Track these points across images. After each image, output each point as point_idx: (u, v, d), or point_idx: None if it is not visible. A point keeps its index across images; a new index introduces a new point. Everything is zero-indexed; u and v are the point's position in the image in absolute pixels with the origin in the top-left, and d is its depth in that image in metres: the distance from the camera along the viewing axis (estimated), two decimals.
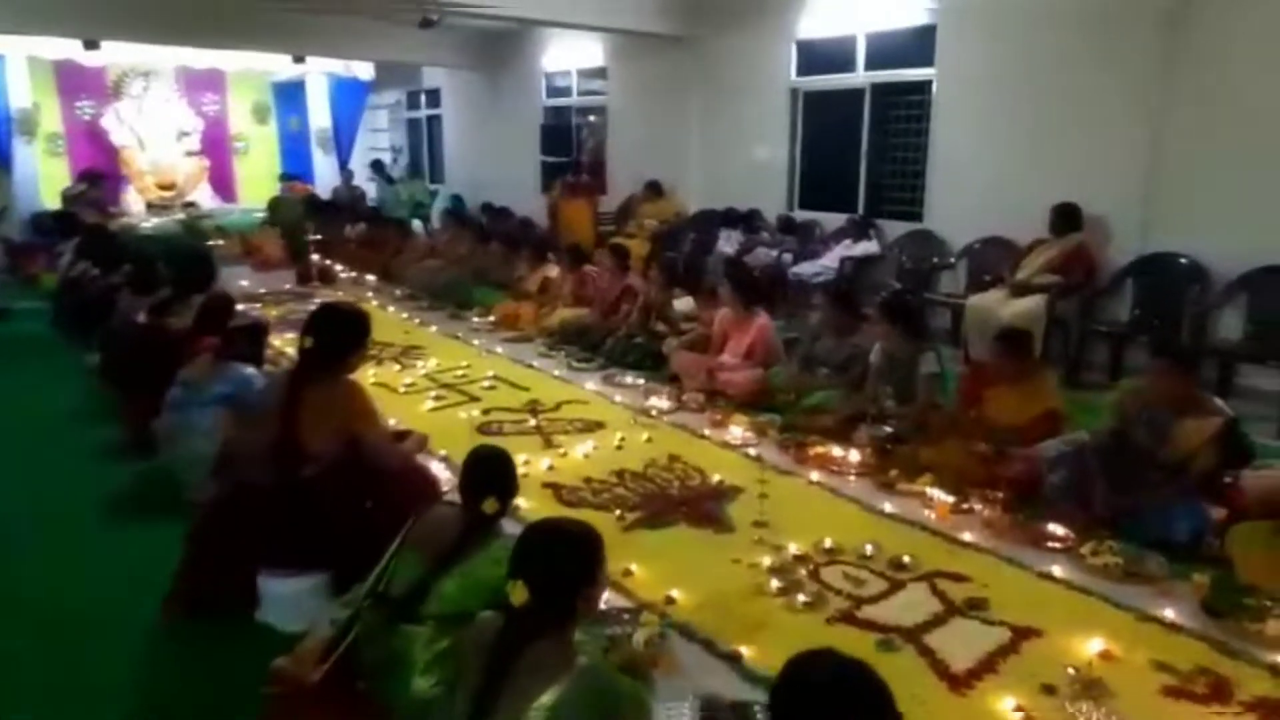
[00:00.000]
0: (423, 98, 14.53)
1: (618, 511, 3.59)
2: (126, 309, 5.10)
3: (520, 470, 3.94)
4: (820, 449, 4.21)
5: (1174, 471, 3.38)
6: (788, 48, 7.79)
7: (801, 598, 2.90)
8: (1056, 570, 3.10)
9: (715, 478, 3.96)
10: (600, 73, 10.34)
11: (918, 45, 6.75)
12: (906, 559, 3.16)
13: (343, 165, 13.60)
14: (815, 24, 7.53)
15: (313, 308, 3.10)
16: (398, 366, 5.96)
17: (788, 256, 7.43)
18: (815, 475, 3.98)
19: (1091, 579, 3.05)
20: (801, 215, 7.91)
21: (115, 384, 4.65)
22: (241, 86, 13.34)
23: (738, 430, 4.55)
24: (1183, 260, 5.25)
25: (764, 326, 5.16)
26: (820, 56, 7.68)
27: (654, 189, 9.17)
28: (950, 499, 3.64)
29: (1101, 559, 3.15)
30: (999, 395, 3.98)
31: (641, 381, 5.45)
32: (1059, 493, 3.54)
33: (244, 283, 8.50)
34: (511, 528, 2.36)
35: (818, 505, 3.72)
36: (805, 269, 7.17)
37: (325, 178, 14.28)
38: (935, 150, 6.73)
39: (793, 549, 3.25)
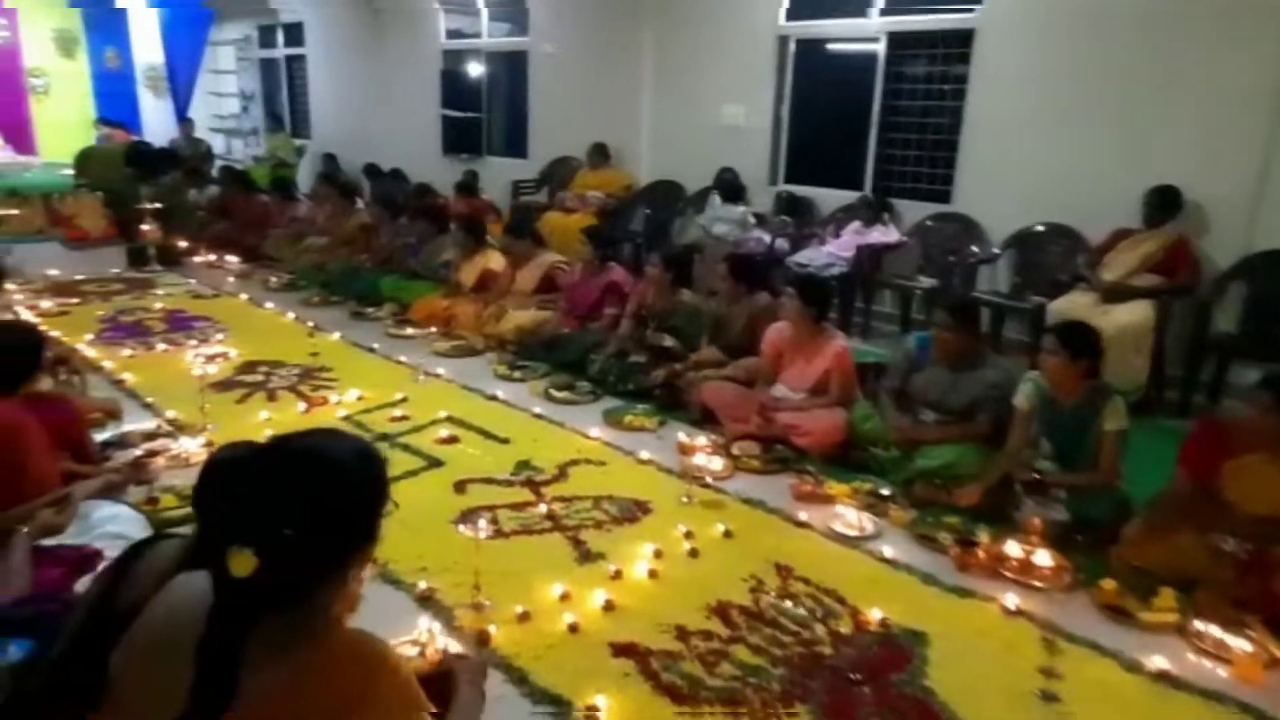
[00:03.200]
0: (280, 34, 12.02)
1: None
2: None
3: (565, 617, 2.47)
4: (988, 547, 2.90)
5: None
6: None
7: None
8: None
9: (873, 613, 2.56)
10: (518, 8, 8.51)
11: None
12: None
13: (181, 113, 11.04)
14: None
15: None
16: (302, 404, 4.14)
17: (783, 242, 6.08)
18: (1012, 600, 2.65)
19: None
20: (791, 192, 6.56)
21: None
22: (38, 7, 10.48)
23: (848, 513, 3.15)
24: None
25: (843, 352, 3.78)
26: None
27: (600, 153, 7.53)
28: (1245, 645, 2.42)
29: None
30: (1252, 469, 2.77)
31: (682, 434, 3.75)
32: None
33: (54, 271, 6.23)
34: None
35: (1056, 668, 2.39)
36: (810, 258, 5.84)
37: (156, 127, 11.63)
38: (973, 116, 5.51)
39: None
